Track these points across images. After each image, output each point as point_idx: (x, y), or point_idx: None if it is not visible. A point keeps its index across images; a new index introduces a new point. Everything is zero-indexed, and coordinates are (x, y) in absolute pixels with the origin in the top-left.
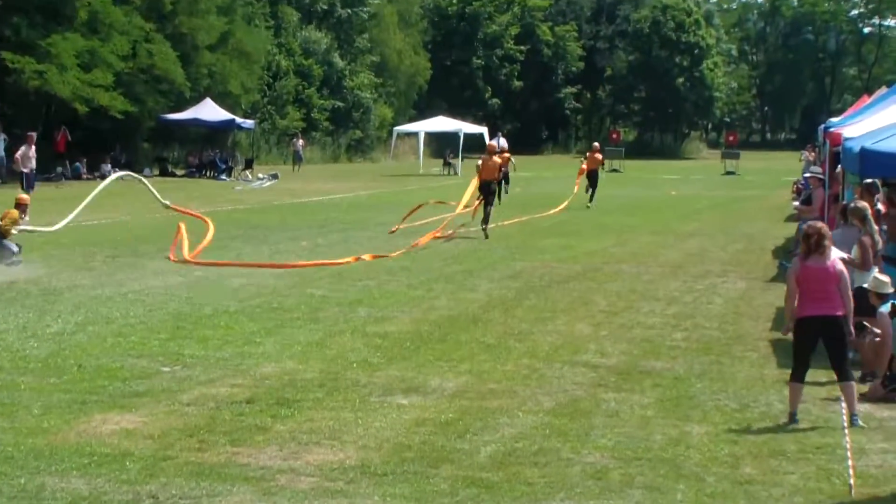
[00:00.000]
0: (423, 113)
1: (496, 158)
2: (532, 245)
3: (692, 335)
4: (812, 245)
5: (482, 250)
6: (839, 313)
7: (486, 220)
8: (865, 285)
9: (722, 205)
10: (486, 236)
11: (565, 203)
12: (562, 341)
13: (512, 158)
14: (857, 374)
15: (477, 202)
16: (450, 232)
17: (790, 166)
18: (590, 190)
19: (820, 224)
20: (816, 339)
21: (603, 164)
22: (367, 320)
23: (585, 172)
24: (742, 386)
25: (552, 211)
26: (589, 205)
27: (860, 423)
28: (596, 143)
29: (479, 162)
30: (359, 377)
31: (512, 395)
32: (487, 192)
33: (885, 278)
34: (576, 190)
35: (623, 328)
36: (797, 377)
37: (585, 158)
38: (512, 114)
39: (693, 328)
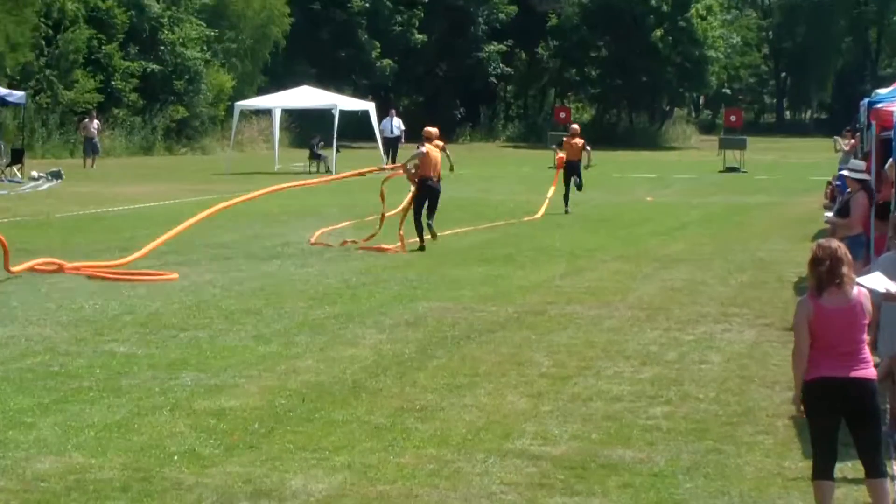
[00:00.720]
0: (279, 81)
1: (438, 143)
2: (442, 276)
3: (678, 411)
4: (824, 275)
5: (367, 284)
6: (869, 375)
7: (429, 230)
8: None
9: (720, 216)
10: (424, 245)
11: (543, 208)
12: (485, 420)
13: (447, 149)
14: None
15: (404, 205)
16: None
17: (820, 159)
18: (574, 185)
19: (834, 244)
20: (839, 412)
21: (586, 151)
22: (194, 391)
23: (563, 166)
24: (752, 486)
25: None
26: (567, 209)
27: None
28: (575, 126)
29: (424, 150)
30: (182, 476)
31: (412, 500)
32: (428, 192)
33: None
34: (553, 189)
35: (576, 401)
36: (822, 472)
37: (559, 147)
38: (411, 83)
39: (679, 400)
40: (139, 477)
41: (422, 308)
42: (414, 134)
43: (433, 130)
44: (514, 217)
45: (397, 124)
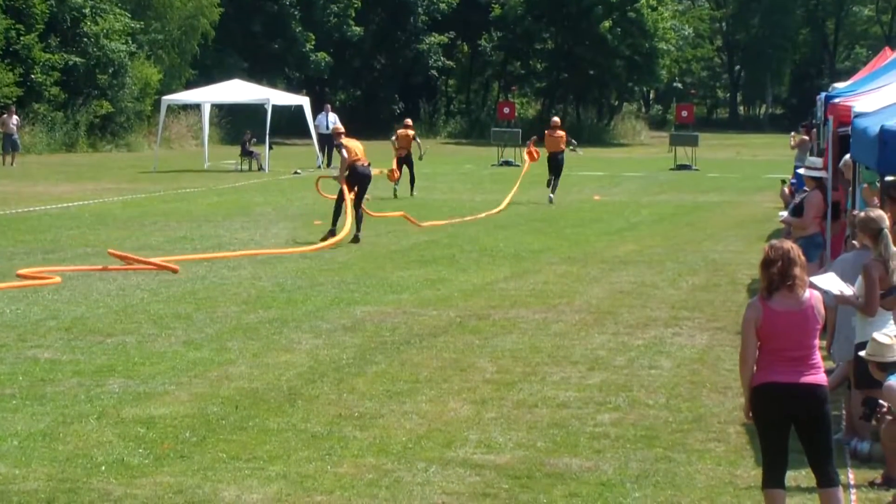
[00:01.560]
0: (208, 74)
1: (410, 132)
2: (381, 278)
3: (626, 417)
4: (775, 277)
5: (303, 288)
6: (820, 381)
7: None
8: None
9: (671, 216)
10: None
11: (506, 200)
12: (426, 428)
13: (417, 138)
14: (877, 474)
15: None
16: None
17: (775, 156)
18: (551, 180)
19: (787, 245)
20: (788, 418)
21: (571, 145)
22: (122, 398)
23: (538, 158)
24: (703, 495)
25: (493, 211)
26: (551, 195)
27: None
28: (556, 118)
29: (343, 148)
30: (110, 487)
31: None
32: (359, 177)
33: (889, 337)
34: (526, 167)
35: (521, 407)
36: (773, 480)
37: (532, 142)
38: (348, 76)
39: (628, 406)
40: (65, 488)
41: (360, 312)
42: (352, 129)
43: (408, 122)
44: (456, 216)
45: (332, 120)
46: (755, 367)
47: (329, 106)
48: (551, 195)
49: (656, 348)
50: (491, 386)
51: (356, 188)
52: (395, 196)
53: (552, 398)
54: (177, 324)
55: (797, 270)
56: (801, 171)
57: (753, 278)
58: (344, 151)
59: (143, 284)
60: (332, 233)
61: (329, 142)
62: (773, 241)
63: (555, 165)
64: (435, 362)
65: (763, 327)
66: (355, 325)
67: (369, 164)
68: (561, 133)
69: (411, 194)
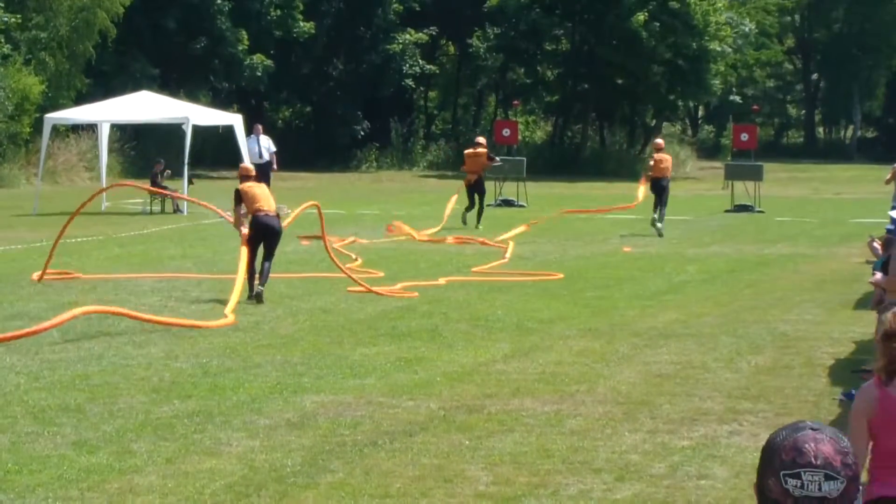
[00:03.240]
0: (107, 85)
1: (480, 149)
2: (339, 358)
3: None
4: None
5: (234, 370)
6: None
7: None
8: None
9: (727, 274)
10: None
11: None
12: None
13: (495, 157)
14: None
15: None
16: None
17: (867, 193)
18: (657, 209)
19: None
20: None
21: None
22: None
23: (650, 183)
24: None
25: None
26: (659, 225)
27: None
28: (659, 140)
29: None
30: None
31: None
32: (262, 229)
33: None
34: (640, 197)
35: None
36: None
37: (650, 165)
38: (294, 88)
39: None
40: None
41: (310, 403)
42: (301, 157)
43: (481, 139)
44: (443, 273)
45: (266, 145)
46: (867, 477)
47: (261, 127)
48: (660, 225)
49: (707, 451)
50: (486, 502)
51: (262, 243)
52: (465, 223)
53: None
54: (64, 419)
55: None
56: (894, 213)
57: (837, 358)
58: (237, 205)
59: (18, 366)
60: (259, 295)
61: (265, 173)
62: None
63: (659, 191)
64: (410, 470)
65: (877, 421)
66: (304, 420)
67: (277, 215)
68: (667, 156)
69: (476, 226)
